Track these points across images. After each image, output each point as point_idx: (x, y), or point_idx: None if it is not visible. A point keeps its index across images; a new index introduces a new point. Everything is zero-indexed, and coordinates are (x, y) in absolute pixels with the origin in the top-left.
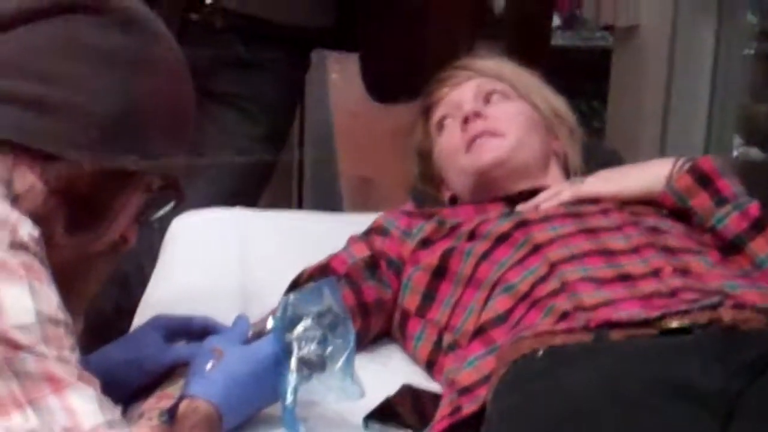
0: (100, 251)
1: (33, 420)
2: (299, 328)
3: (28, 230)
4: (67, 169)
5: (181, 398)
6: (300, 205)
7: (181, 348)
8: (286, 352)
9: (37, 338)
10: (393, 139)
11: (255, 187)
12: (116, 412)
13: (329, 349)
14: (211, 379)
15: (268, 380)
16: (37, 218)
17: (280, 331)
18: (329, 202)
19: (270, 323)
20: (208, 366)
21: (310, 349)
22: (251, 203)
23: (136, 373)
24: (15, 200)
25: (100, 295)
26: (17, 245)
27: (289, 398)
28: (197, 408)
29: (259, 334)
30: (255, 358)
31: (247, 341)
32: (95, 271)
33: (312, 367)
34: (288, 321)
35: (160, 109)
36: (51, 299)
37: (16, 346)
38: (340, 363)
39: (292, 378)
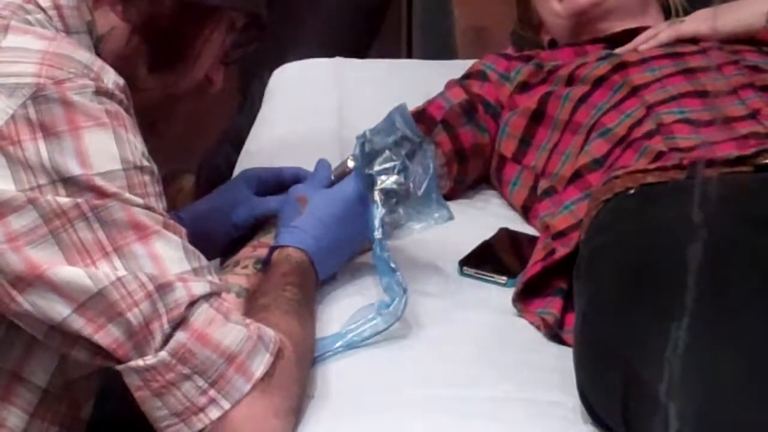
0: (185, 93)
1: (120, 268)
2: (378, 162)
3: (113, 78)
4: (148, 5)
5: (272, 249)
6: (410, 56)
7: (271, 200)
8: (369, 187)
9: (122, 186)
10: None
11: (364, 37)
12: (202, 260)
13: (411, 176)
14: (298, 227)
15: (355, 219)
16: (120, 59)
17: (360, 169)
18: (442, 53)
19: (350, 163)
20: (295, 214)
21: (391, 179)
22: (361, 54)
23: (223, 225)
24: (98, 42)
25: (214, 151)
26: (101, 93)
27: (377, 231)
28: (288, 256)
29: (341, 175)
30: (339, 198)
31: (330, 184)
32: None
33: (396, 196)
34: (366, 157)
35: None
36: (136, 147)
37: (101, 194)
38: (423, 188)
39: (377, 210)
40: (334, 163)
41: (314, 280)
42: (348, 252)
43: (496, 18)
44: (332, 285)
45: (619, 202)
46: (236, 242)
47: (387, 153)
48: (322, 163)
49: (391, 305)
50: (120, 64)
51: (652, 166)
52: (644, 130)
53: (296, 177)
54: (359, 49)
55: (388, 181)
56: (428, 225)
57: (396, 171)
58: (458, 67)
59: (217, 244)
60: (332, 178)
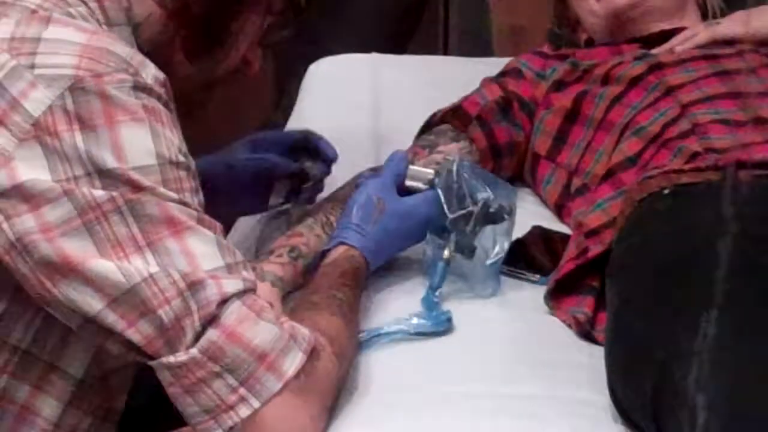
0: (222, 77)
1: (152, 263)
2: (457, 205)
3: (152, 73)
4: None
5: (339, 242)
6: (445, 53)
7: (271, 157)
8: (440, 229)
9: (156, 180)
10: None
11: (401, 35)
12: (237, 255)
13: (485, 239)
14: (371, 233)
15: (415, 237)
16: (157, 46)
17: (439, 195)
18: (478, 52)
19: (431, 176)
20: (370, 218)
21: (467, 232)
22: (397, 52)
23: (223, 172)
24: (135, 29)
25: None
26: (139, 88)
27: (437, 284)
28: (353, 257)
29: (417, 183)
30: (411, 216)
31: (403, 186)
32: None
33: (462, 251)
34: (451, 187)
35: None
36: (172, 142)
37: (136, 188)
38: (490, 259)
39: (441, 266)
40: (372, 158)
41: (363, 287)
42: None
43: (532, 16)
44: (376, 279)
45: (654, 202)
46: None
47: (478, 208)
48: (399, 158)
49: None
50: (157, 51)
51: (687, 166)
52: (679, 129)
53: (305, 139)
54: (396, 47)
55: (463, 237)
56: (474, 293)
57: (473, 227)
58: (495, 65)
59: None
60: (407, 183)
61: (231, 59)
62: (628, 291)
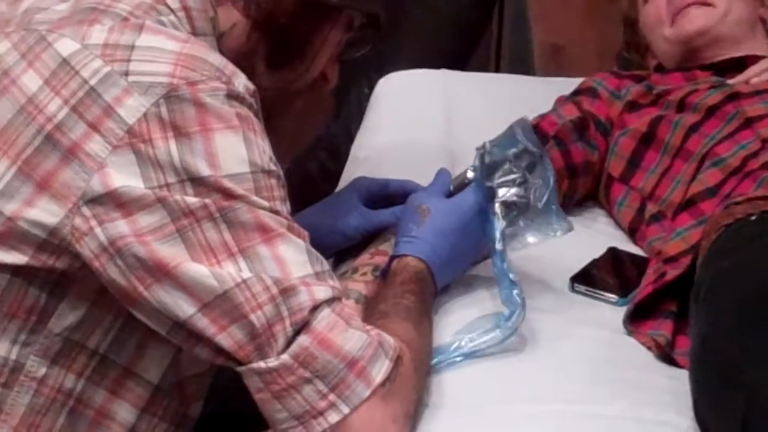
0: (301, 90)
1: (245, 269)
2: (498, 174)
3: (243, 82)
4: (269, 1)
5: (391, 259)
6: (497, 71)
7: (382, 213)
8: (489, 199)
9: (249, 188)
10: (585, 5)
11: (465, 51)
12: (324, 264)
13: (531, 189)
14: (418, 237)
15: (474, 230)
16: (240, 56)
17: (480, 180)
18: (521, 69)
19: (470, 174)
20: (415, 224)
21: (512, 191)
22: (460, 67)
23: (333, 235)
24: (219, 38)
25: (307, 157)
26: (233, 96)
27: (498, 243)
28: (407, 265)
29: (460, 186)
30: (459, 210)
31: (449, 194)
32: (298, 113)
33: (516, 208)
34: (486, 168)
35: None
36: (264, 151)
37: (229, 196)
38: (543, 200)
39: (498, 222)
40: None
41: (432, 290)
42: (465, 263)
43: (573, 37)
44: (446, 295)
45: (740, 228)
46: (343, 252)
47: (507, 165)
48: (442, 173)
49: (510, 318)
50: (240, 61)
51: None
52: (761, 161)
53: (403, 189)
54: (455, 65)
55: (509, 194)
56: (547, 237)
57: (516, 183)
58: (564, 84)
59: (325, 253)
60: (451, 188)
61: (311, 73)
62: (718, 315)
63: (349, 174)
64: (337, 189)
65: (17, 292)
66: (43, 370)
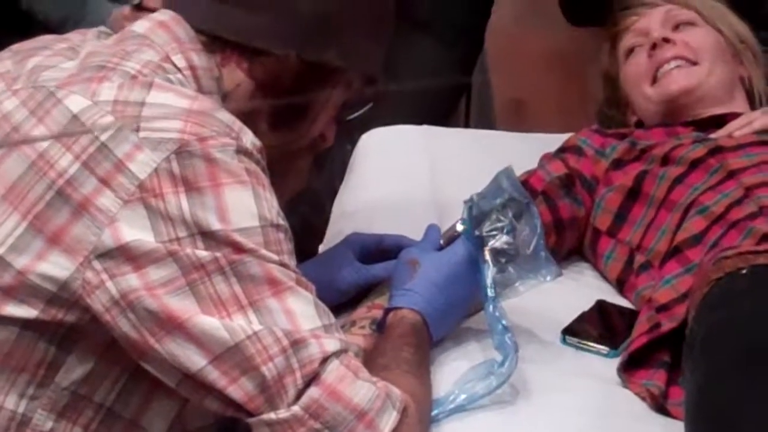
0: (299, 150)
1: (255, 322)
2: (486, 224)
3: (251, 139)
4: (273, 64)
5: (387, 312)
6: (467, 126)
7: (376, 267)
8: (479, 249)
9: (259, 242)
10: (547, 61)
11: (446, 108)
12: (331, 317)
13: (519, 236)
14: (412, 290)
15: (466, 281)
16: (243, 116)
17: (469, 232)
18: (485, 123)
19: (459, 227)
20: (408, 277)
21: (501, 239)
22: (442, 123)
23: (328, 291)
24: (224, 98)
25: (288, 211)
26: (242, 152)
27: (489, 289)
28: (403, 317)
29: (450, 239)
30: (450, 261)
31: (440, 248)
32: (294, 170)
33: (506, 255)
34: (474, 220)
35: (362, 4)
36: (272, 205)
37: (239, 249)
38: (531, 247)
39: (488, 269)
40: (422, 228)
41: (429, 341)
42: (459, 313)
43: (534, 91)
44: (438, 348)
45: (731, 282)
46: (339, 307)
47: (495, 215)
48: (431, 229)
49: (503, 364)
50: (243, 121)
51: (762, 247)
52: (745, 211)
53: (398, 244)
54: (438, 121)
55: (498, 242)
56: (538, 283)
57: (504, 231)
58: (543, 141)
59: None
60: (441, 242)
61: (311, 133)
62: (715, 367)
63: (336, 229)
64: (323, 244)
65: (26, 346)
66: (50, 424)
